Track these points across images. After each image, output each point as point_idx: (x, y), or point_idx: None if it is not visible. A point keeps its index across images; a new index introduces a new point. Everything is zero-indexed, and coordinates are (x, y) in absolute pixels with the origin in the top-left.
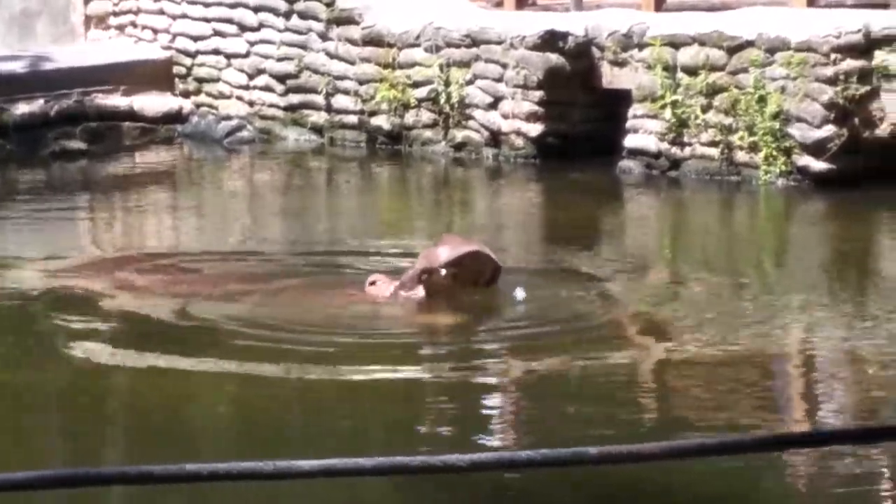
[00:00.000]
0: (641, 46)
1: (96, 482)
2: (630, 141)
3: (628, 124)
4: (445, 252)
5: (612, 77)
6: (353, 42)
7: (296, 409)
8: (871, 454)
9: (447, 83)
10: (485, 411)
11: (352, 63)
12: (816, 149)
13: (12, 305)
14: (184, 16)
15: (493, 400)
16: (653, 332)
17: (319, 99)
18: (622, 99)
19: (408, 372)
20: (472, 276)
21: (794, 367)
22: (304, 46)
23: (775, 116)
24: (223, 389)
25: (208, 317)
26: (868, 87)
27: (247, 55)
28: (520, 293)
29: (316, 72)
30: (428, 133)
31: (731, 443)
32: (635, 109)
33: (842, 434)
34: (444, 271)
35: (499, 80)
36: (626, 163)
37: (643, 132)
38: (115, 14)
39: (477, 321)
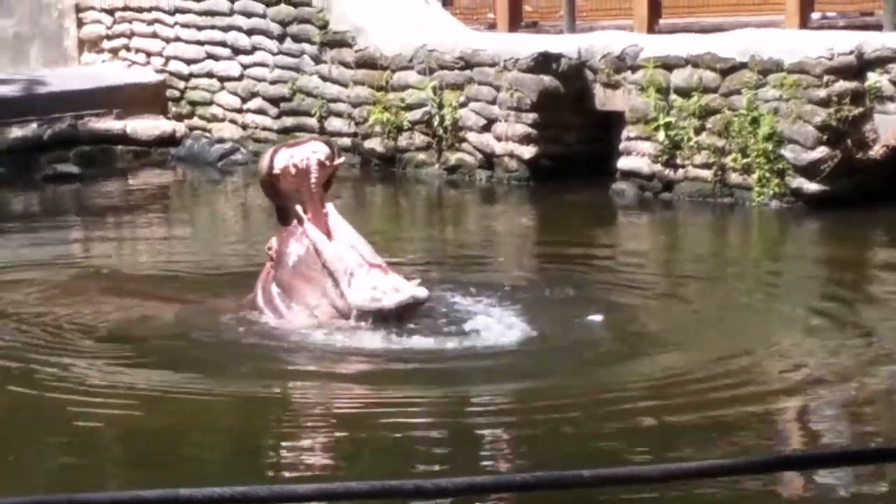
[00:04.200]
0: (634, 68)
1: None
2: (623, 163)
3: (621, 146)
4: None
5: (605, 99)
6: (346, 65)
7: None
8: (868, 476)
9: (440, 106)
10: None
11: (345, 86)
12: (809, 170)
13: None
14: (177, 39)
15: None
16: (645, 353)
17: (313, 122)
18: (615, 121)
19: None
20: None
21: (787, 391)
22: (297, 69)
23: (768, 138)
24: None
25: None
26: (861, 109)
27: (240, 78)
28: (596, 318)
29: (309, 94)
30: (421, 156)
31: (729, 465)
32: (628, 131)
33: (840, 456)
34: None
35: (492, 102)
36: (619, 185)
37: (636, 154)
38: (109, 38)
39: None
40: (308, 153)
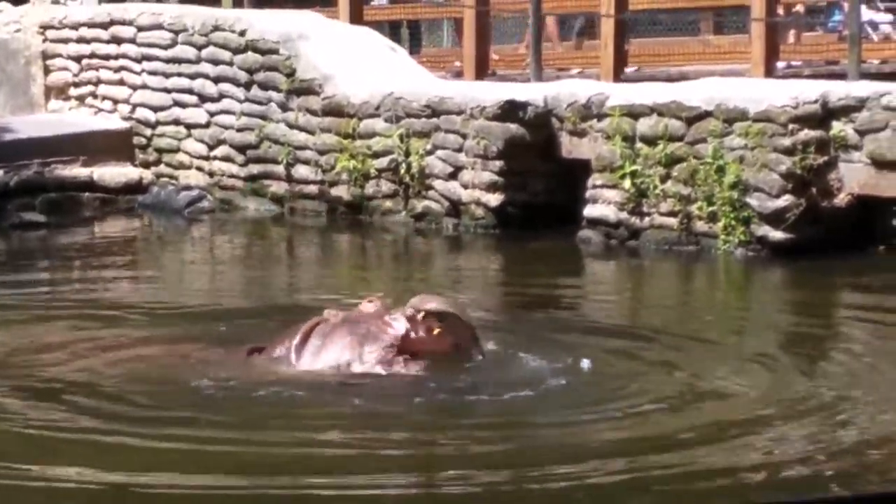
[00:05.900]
0: (600, 117)
1: None
2: (589, 211)
3: (588, 194)
4: (433, 301)
5: (571, 147)
6: (313, 112)
7: None
8: None
9: (407, 153)
10: None
11: (312, 133)
12: (775, 218)
13: None
14: (144, 86)
15: None
16: (612, 399)
17: (280, 169)
18: (582, 169)
19: None
20: (455, 340)
21: (753, 436)
22: (264, 117)
23: (734, 186)
24: None
25: None
26: (826, 158)
27: (207, 125)
28: (586, 364)
29: (276, 142)
30: (388, 203)
31: None
32: (594, 179)
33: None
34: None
35: (459, 150)
36: (585, 232)
37: (602, 202)
38: (76, 85)
39: None
40: (439, 330)
